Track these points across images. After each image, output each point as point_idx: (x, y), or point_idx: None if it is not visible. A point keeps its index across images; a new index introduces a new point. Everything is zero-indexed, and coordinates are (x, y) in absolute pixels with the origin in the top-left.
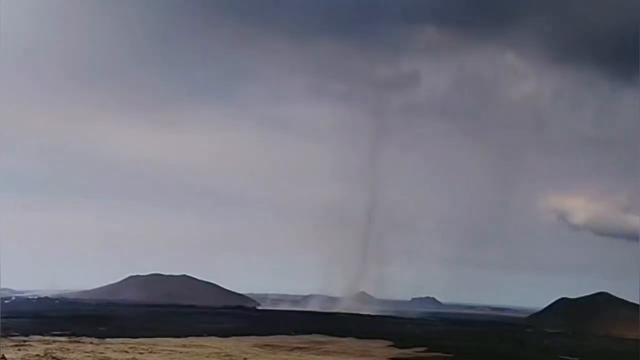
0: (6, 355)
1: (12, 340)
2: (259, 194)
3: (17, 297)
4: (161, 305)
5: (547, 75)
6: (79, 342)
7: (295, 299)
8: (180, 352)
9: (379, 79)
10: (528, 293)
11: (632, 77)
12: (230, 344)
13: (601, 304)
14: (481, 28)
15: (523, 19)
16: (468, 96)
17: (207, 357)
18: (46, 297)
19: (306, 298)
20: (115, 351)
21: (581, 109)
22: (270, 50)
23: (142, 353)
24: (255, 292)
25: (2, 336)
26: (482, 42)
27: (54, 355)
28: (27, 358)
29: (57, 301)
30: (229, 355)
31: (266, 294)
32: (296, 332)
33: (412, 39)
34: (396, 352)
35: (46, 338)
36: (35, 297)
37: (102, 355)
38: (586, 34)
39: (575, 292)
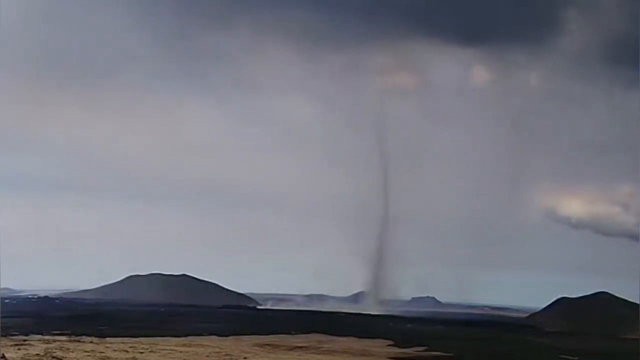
0: (6, 355)
1: (12, 340)
2: (259, 192)
3: (17, 296)
4: (161, 305)
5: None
6: (79, 341)
7: (296, 299)
8: (180, 352)
9: None
10: (528, 293)
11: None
12: (230, 344)
13: (601, 304)
14: None
15: None
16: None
17: (207, 356)
18: (46, 297)
19: (306, 298)
20: (115, 350)
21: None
22: None
23: (142, 352)
24: (255, 291)
25: (2, 335)
26: None
27: (54, 354)
28: (27, 357)
29: (57, 301)
30: (229, 355)
31: (266, 294)
32: (296, 332)
33: None
34: (396, 351)
35: (46, 337)
36: (35, 297)
37: (102, 354)
38: None
39: (575, 292)
